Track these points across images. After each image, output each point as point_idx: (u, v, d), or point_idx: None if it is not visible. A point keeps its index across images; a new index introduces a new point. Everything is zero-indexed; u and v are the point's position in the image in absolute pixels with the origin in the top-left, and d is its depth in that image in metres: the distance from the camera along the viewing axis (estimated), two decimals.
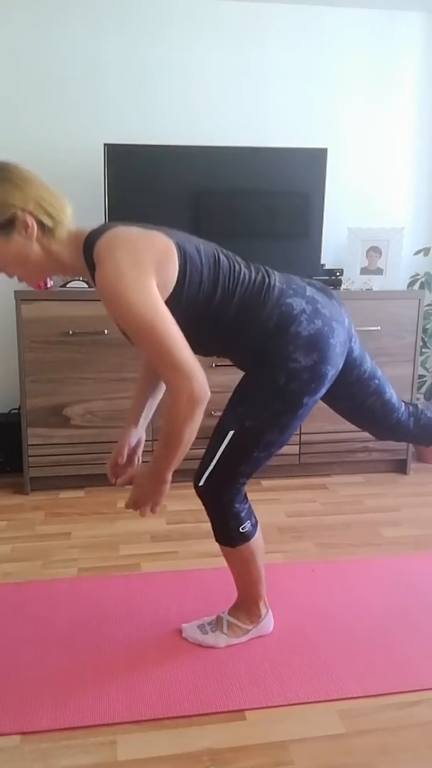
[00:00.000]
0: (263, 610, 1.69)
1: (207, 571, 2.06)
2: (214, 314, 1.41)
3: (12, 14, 2.84)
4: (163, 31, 2.94)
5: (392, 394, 1.66)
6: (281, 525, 2.43)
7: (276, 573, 2.02)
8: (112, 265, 1.26)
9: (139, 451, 1.68)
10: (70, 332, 2.63)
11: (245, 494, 1.58)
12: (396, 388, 2.83)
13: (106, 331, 2.65)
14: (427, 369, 3.35)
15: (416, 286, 3.22)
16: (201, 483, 1.52)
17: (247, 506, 1.57)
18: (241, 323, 1.43)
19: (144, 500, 1.44)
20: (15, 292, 2.57)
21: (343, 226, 3.18)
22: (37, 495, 2.73)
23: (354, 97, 3.15)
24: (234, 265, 1.44)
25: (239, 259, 1.49)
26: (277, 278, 1.47)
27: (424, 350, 3.29)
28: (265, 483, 2.88)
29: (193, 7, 2.95)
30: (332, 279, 2.93)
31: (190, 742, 1.34)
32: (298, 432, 2.86)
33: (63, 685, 1.50)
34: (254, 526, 1.59)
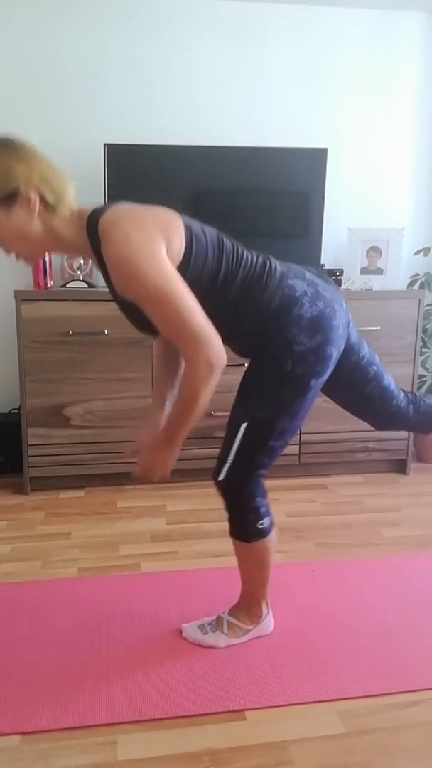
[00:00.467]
0: (264, 611, 1.69)
1: (207, 571, 2.06)
2: (216, 294, 1.41)
3: (12, 14, 2.84)
4: (163, 31, 2.94)
5: (390, 381, 1.66)
6: (281, 525, 2.43)
7: (276, 573, 2.01)
8: (121, 234, 1.25)
9: None
10: (70, 332, 2.63)
11: (265, 490, 1.58)
12: None
13: (106, 331, 2.65)
14: (427, 369, 3.35)
15: (416, 286, 3.22)
16: (221, 477, 1.52)
17: (266, 503, 1.57)
18: (243, 305, 1.44)
19: (153, 465, 1.45)
20: (15, 292, 2.57)
21: (343, 226, 3.18)
22: (37, 495, 2.73)
23: (354, 97, 3.15)
24: (237, 248, 1.46)
25: (241, 244, 1.50)
26: (278, 263, 1.49)
27: (424, 350, 3.29)
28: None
29: (193, 7, 2.95)
30: (332, 279, 2.92)
31: (190, 742, 1.34)
32: (298, 432, 2.86)
33: (63, 685, 1.50)
34: (271, 524, 1.59)
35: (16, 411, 3.01)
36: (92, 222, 1.32)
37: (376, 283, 3.04)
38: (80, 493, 2.75)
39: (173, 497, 2.62)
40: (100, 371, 2.69)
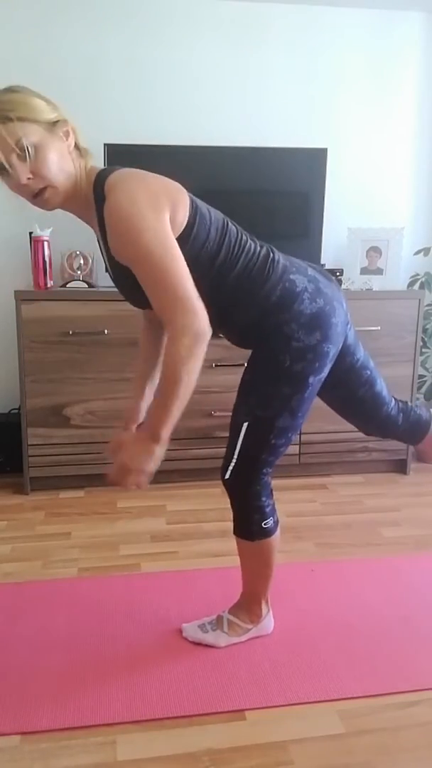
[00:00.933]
0: (264, 610, 1.69)
1: (207, 571, 2.06)
2: (213, 277, 1.40)
3: (12, 14, 2.84)
4: (163, 31, 2.94)
5: (383, 387, 1.66)
6: (281, 525, 2.42)
7: (276, 573, 2.00)
8: (125, 191, 1.25)
9: None
10: (70, 332, 2.63)
11: (272, 490, 1.58)
12: (396, 388, 2.84)
13: (106, 331, 2.65)
14: (427, 369, 3.35)
15: (416, 286, 3.22)
16: (227, 476, 1.53)
17: (272, 503, 1.58)
18: (241, 294, 1.42)
19: (129, 465, 1.28)
20: (15, 292, 2.57)
21: (343, 226, 3.18)
22: (37, 495, 2.73)
23: (354, 97, 3.15)
24: (241, 234, 1.45)
25: (247, 233, 1.48)
26: (281, 255, 1.48)
27: (424, 350, 3.29)
28: None
29: (193, 7, 2.95)
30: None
31: (190, 742, 1.34)
32: (298, 432, 2.86)
33: (63, 685, 1.50)
34: (276, 523, 1.59)
35: (16, 411, 3.01)
36: (99, 180, 1.33)
37: (376, 283, 3.04)
38: (80, 493, 2.75)
39: (173, 497, 2.62)
40: (100, 371, 2.69)
